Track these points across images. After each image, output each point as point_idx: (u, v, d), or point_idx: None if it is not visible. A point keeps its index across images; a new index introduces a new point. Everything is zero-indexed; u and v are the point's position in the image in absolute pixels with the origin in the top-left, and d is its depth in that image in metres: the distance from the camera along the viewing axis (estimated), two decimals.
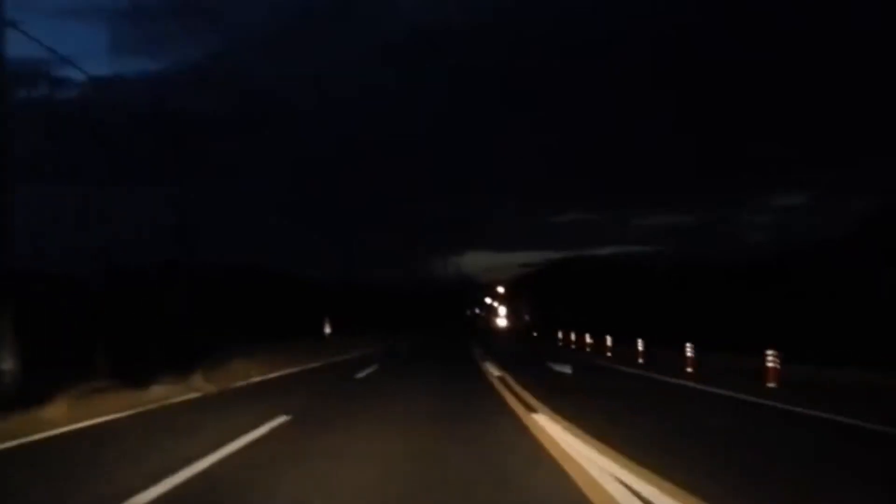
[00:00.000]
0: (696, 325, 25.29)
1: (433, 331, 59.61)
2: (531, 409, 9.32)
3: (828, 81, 72.33)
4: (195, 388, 11.87)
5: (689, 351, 18.74)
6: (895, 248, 27.38)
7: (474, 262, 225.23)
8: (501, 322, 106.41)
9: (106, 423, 8.43)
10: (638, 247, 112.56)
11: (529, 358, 25.08)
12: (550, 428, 7.67)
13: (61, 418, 8.15)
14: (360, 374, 16.77)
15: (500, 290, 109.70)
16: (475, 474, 5.49)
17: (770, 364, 13.72)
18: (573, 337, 36.38)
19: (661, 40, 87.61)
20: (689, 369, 18.10)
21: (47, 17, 55.95)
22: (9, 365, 9.61)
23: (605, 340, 28.57)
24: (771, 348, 13.87)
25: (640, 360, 22.29)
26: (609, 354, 26.69)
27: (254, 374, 15.07)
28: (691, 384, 14.62)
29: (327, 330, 35.54)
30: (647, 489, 4.84)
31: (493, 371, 17.10)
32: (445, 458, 6.20)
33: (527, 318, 77.81)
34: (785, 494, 4.99)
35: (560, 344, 38.85)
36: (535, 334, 58.46)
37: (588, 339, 32.36)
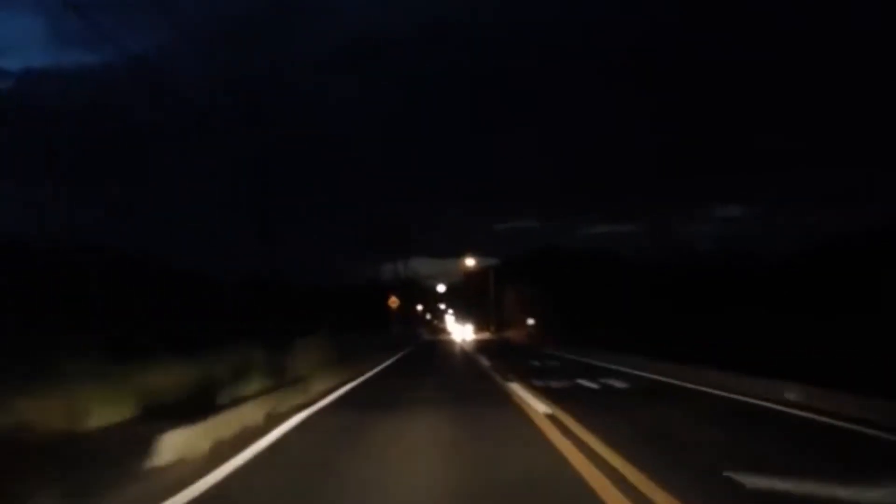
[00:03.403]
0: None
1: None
2: None
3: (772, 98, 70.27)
4: None
5: None
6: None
7: (414, 267, 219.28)
8: (466, 332, 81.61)
9: None
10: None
11: None
12: None
13: None
14: None
15: (469, 266, 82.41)
16: None
17: None
18: None
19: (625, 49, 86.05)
20: None
21: None
22: None
23: None
24: None
25: None
26: None
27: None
28: None
29: None
30: None
31: None
32: None
33: (530, 322, 57.42)
34: None
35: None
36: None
37: None
